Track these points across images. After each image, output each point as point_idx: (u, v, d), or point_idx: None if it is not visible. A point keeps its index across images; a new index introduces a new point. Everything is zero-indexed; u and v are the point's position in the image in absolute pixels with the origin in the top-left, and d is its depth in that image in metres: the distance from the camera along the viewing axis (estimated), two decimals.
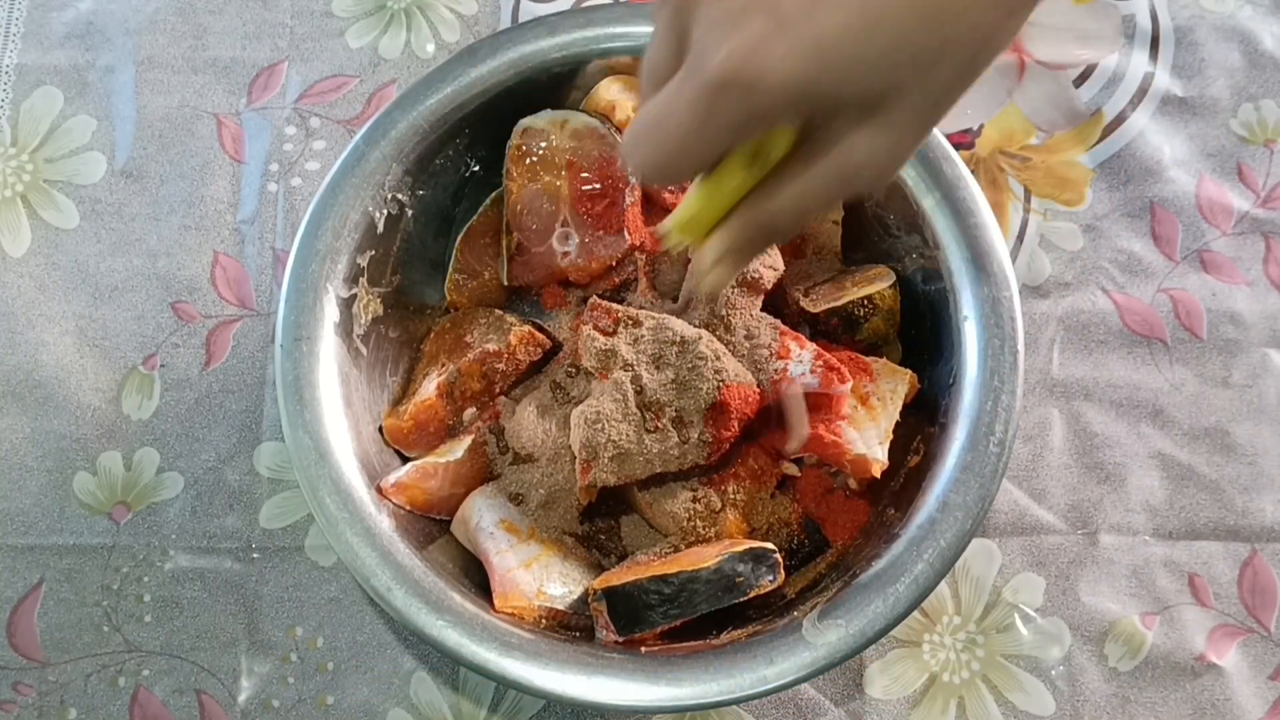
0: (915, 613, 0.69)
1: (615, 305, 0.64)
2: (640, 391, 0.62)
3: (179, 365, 0.74)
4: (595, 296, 0.65)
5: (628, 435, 0.61)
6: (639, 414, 0.62)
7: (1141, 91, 0.82)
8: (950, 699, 0.68)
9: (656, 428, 0.61)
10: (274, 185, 0.78)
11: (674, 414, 0.61)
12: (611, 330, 0.63)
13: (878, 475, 0.63)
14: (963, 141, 0.80)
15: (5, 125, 0.80)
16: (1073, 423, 0.74)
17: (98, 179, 0.79)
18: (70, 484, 0.72)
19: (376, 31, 0.82)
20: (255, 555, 0.70)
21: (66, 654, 0.68)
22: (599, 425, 0.61)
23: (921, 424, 0.65)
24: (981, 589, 0.70)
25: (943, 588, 0.70)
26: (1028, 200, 0.79)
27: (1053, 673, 0.69)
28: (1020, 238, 0.78)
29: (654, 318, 0.63)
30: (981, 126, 0.81)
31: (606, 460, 0.61)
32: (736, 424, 0.61)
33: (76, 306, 0.75)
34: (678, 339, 0.62)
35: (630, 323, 0.63)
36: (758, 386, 0.62)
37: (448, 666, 0.68)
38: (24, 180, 0.78)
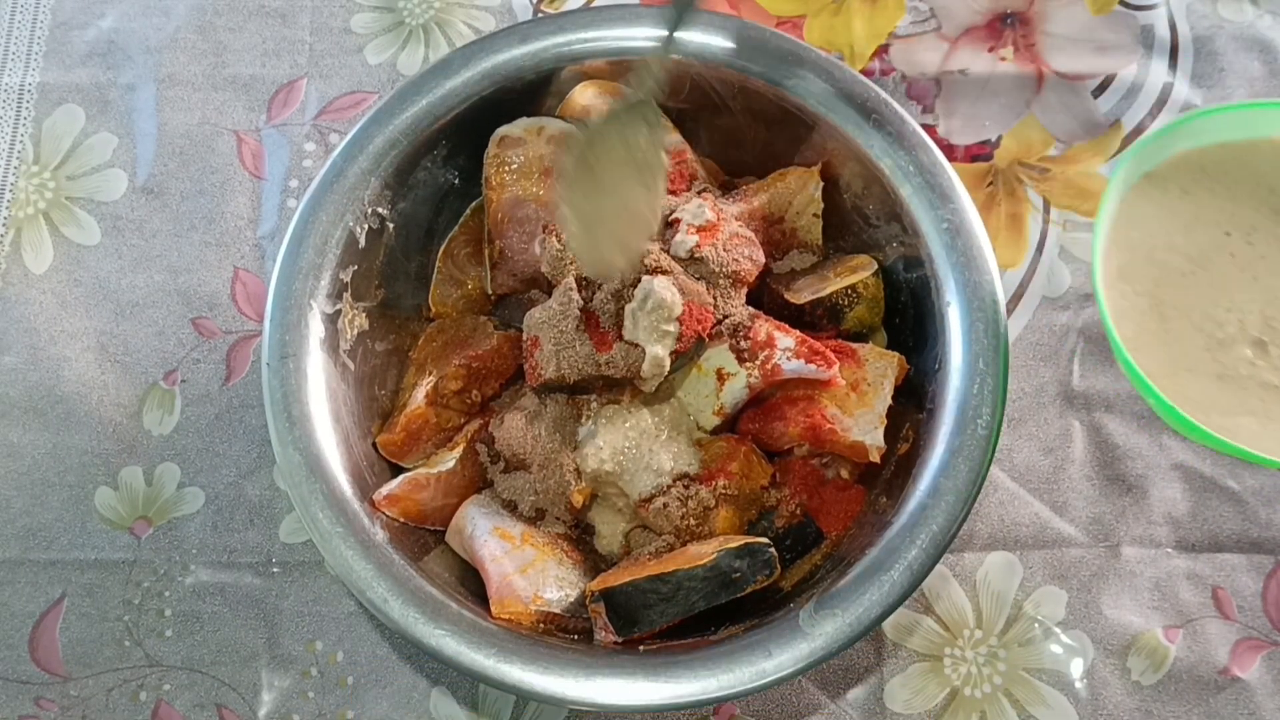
0: (936, 626, 0.69)
1: None
2: (589, 299, 0.64)
3: (199, 381, 0.75)
4: None
5: (567, 332, 0.63)
6: (580, 316, 0.63)
7: (1161, 102, 0.81)
8: (972, 713, 0.68)
9: (594, 334, 0.63)
10: (294, 201, 0.79)
11: (616, 323, 0.63)
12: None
13: (877, 460, 0.63)
14: (981, 153, 0.80)
15: (28, 143, 0.80)
16: (1094, 434, 0.73)
17: (119, 196, 0.79)
18: (91, 499, 0.72)
19: (395, 48, 0.83)
20: (275, 570, 0.70)
21: (88, 669, 0.69)
22: (545, 323, 0.64)
23: (910, 411, 0.65)
24: (1003, 602, 0.70)
25: (964, 601, 0.70)
26: (1046, 211, 0.78)
27: (1075, 686, 0.68)
28: (1039, 249, 0.77)
29: None
30: (1000, 138, 0.80)
31: (550, 350, 0.63)
32: (689, 340, 0.63)
33: (98, 322, 0.76)
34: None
35: None
36: (748, 380, 0.63)
37: (467, 682, 0.68)
38: (46, 198, 0.79)
